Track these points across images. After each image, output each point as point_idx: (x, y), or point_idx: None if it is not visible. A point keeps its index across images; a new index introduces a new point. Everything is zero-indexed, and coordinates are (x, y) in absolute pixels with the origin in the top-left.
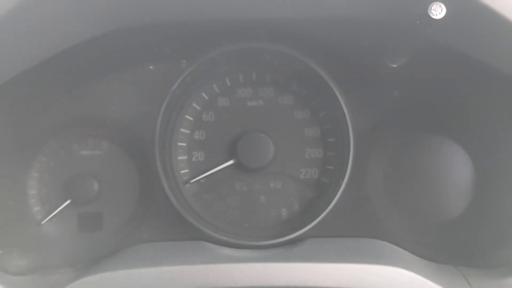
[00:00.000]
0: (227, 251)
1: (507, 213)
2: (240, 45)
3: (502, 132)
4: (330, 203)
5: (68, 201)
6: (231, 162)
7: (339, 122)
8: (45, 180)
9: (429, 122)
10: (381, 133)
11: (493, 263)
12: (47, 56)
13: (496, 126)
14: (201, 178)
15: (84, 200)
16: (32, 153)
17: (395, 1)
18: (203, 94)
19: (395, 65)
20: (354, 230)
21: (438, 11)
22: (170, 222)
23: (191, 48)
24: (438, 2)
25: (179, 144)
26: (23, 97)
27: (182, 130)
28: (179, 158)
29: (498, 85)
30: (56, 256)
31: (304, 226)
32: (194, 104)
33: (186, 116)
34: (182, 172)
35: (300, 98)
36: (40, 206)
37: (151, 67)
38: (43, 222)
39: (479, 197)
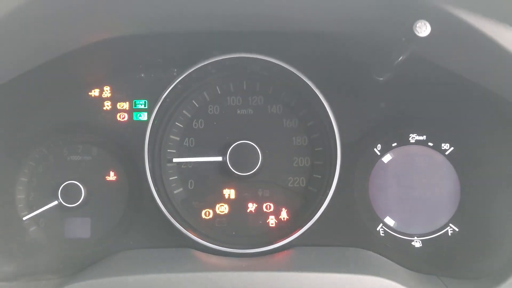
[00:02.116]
0: (214, 259)
1: (491, 225)
2: (231, 56)
3: (486, 145)
4: (317, 212)
5: (55, 202)
6: (219, 159)
7: (327, 132)
8: (33, 185)
9: (414, 134)
10: (368, 144)
11: (475, 275)
12: (39, 62)
13: (481, 139)
14: (190, 183)
15: (72, 206)
16: (21, 158)
17: (382, 19)
18: (194, 102)
19: (381, 79)
20: (341, 239)
21: (423, 29)
22: (158, 229)
23: (183, 58)
24: (423, 21)
25: (169, 150)
26: (13, 102)
27: (172, 137)
28: (168, 165)
29: (481, 99)
30: (42, 262)
31: (291, 235)
32: (185, 112)
33: (177, 123)
34: (171, 178)
35: (288, 108)
36: (27, 211)
37: (142, 75)
38: (25, 218)
39: (464, 208)
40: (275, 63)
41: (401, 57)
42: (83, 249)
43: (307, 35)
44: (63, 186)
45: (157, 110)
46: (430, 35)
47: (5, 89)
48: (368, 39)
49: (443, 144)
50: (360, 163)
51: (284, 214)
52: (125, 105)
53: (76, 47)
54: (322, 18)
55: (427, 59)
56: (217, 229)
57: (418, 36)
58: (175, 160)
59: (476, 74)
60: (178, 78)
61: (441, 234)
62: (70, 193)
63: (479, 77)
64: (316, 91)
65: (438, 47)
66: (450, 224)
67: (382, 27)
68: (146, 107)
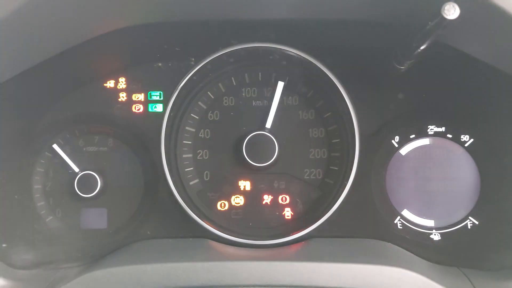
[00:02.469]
0: (231, 249)
1: (511, 216)
2: (249, 45)
3: (507, 136)
4: (334, 203)
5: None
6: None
7: (344, 124)
8: (50, 175)
9: (433, 126)
10: (385, 136)
11: (497, 266)
12: (57, 51)
13: (501, 130)
14: (206, 174)
15: (88, 196)
16: (37, 149)
17: (408, 3)
18: (209, 93)
19: (402, 67)
20: (358, 231)
21: (451, 12)
22: (175, 220)
23: (200, 46)
24: (451, 2)
25: (185, 142)
26: (31, 93)
27: (187, 128)
28: (184, 156)
29: (506, 90)
30: (61, 251)
31: (308, 226)
32: (200, 103)
33: (192, 115)
34: (187, 170)
35: (305, 99)
36: (44, 201)
37: (159, 65)
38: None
39: (484, 200)
40: (293, 53)
41: (425, 44)
42: (100, 239)
43: (326, 22)
44: (79, 176)
45: (173, 102)
46: (458, 18)
47: (22, 80)
48: (392, 25)
49: (462, 136)
50: (378, 155)
51: (300, 206)
52: (140, 97)
53: (92, 37)
54: (343, 4)
55: (451, 45)
56: (233, 221)
57: (446, 19)
58: None
59: (502, 61)
60: (193, 69)
61: (460, 227)
62: (86, 184)
63: (505, 64)
64: (334, 81)
65: (464, 32)
66: (470, 217)
67: (407, 11)
68: (161, 98)
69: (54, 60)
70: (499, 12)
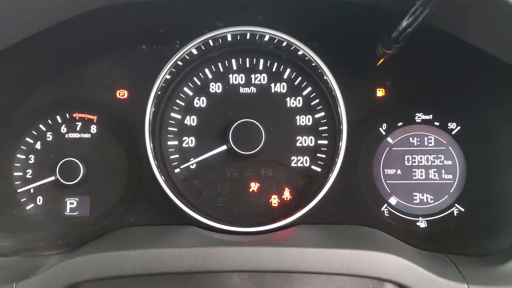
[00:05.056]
0: (216, 235)
1: (497, 202)
2: (236, 29)
3: (493, 122)
4: (321, 191)
5: (52, 178)
6: (223, 148)
7: (332, 111)
8: (31, 162)
9: (420, 113)
10: (373, 123)
11: (482, 252)
12: (35, 30)
13: (489, 118)
14: (192, 164)
15: (71, 183)
16: (17, 135)
17: None
18: (195, 79)
19: (390, 51)
20: (345, 218)
21: None
22: (159, 207)
23: (185, 29)
24: None
25: (170, 129)
26: (10, 76)
27: (173, 115)
28: (170, 143)
29: (493, 74)
30: (41, 238)
31: (294, 213)
32: (186, 89)
33: (177, 101)
34: (172, 157)
35: (292, 86)
36: (25, 188)
37: (144, 47)
38: (19, 190)
39: (470, 188)
40: (281, 37)
41: (413, 25)
42: (83, 227)
43: (313, 3)
44: (61, 163)
45: (157, 87)
46: None
47: (3, 61)
48: (380, 6)
49: (449, 124)
50: (365, 142)
51: (287, 194)
52: (125, 82)
53: (73, 15)
54: None
55: (440, 28)
56: (219, 208)
57: None
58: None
59: (491, 45)
60: (178, 53)
61: (446, 214)
62: (69, 171)
63: (494, 48)
64: (322, 67)
65: (452, 13)
66: (456, 205)
67: None
68: (146, 84)
69: (33, 41)
70: None
